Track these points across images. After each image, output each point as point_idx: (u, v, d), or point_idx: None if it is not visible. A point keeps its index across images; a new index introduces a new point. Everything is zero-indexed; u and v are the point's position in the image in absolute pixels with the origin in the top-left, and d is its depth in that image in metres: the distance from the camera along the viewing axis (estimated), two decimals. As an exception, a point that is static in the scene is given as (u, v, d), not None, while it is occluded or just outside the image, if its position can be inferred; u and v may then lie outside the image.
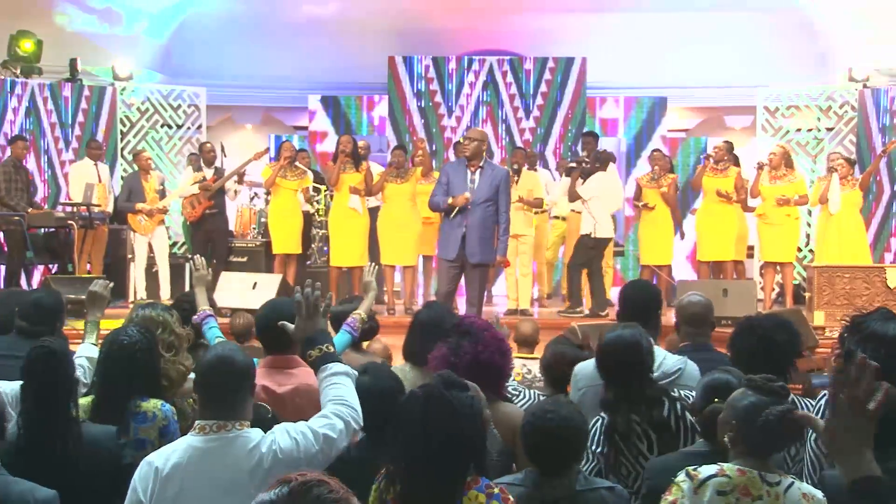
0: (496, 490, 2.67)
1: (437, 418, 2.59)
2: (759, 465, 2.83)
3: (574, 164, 9.83)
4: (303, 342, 3.21)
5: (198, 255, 4.99)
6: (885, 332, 3.51)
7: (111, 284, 4.37)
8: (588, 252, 9.43)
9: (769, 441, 2.85)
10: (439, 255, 7.94)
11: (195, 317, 4.43)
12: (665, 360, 4.00)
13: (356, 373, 3.09)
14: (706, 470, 2.83)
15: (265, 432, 2.88)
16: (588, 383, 3.97)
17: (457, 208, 7.57)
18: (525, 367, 5.31)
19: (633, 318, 4.06)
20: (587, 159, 9.83)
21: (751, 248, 10.86)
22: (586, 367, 4.04)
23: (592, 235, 9.38)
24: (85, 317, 4.34)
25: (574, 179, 9.57)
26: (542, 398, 4.15)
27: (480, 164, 7.67)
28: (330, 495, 1.73)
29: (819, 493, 2.83)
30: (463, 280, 7.82)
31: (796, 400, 3.69)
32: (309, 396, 3.51)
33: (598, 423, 3.58)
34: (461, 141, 7.96)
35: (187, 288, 10.20)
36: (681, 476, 2.85)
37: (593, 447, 3.54)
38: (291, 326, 3.29)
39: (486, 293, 10.81)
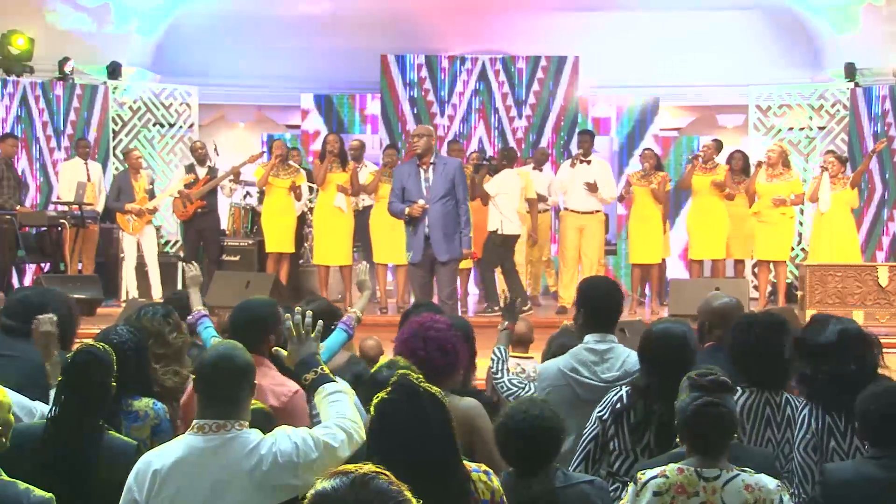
0: (485, 467, 2.75)
1: (430, 412, 2.60)
2: (704, 463, 2.85)
3: (481, 162, 9.83)
4: (296, 366, 3.24)
5: (192, 261, 4.99)
6: (822, 342, 3.54)
7: (55, 317, 4.01)
8: (497, 249, 9.40)
9: (698, 436, 2.87)
10: (408, 260, 7.88)
11: (190, 317, 4.43)
12: (628, 357, 3.99)
13: (352, 391, 3.12)
14: (650, 472, 2.89)
15: (264, 432, 2.89)
16: (551, 383, 3.97)
17: (415, 217, 7.48)
18: (519, 367, 5.30)
19: (598, 317, 4.04)
20: (494, 156, 9.93)
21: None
22: (550, 368, 4.04)
23: (499, 232, 9.34)
24: (46, 360, 3.94)
25: (482, 177, 9.55)
26: None
27: (432, 161, 7.59)
28: (391, 487, 1.77)
29: (771, 483, 2.84)
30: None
31: (770, 397, 3.69)
32: (277, 397, 3.50)
33: (614, 393, 3.60)
34: (412, 140, 7.88)
35: (179, 287, 10.19)
36: (631, 481, 2.92)
37: (599, 412, 3.58)
38: (284, 353, 3.33)
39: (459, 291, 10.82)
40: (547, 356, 4.69)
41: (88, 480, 3.12)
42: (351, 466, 1.80)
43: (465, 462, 2.69)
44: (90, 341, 3.38)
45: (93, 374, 3.21)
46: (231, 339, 3.78)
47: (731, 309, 4.39)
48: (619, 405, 3.57)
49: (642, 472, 2.91)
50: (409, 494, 1.77)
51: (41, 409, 3.46)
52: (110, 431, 3.29)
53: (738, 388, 3.65)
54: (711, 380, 2.90)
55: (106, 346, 3.35)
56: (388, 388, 2.67)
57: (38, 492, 2.77)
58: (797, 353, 3.61)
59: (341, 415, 2.98)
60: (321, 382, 3.12)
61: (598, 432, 3.57)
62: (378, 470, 1.79)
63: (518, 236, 9.63)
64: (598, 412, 3.59)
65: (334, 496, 1.75)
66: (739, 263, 10.28)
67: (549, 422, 3.02)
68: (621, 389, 3.61)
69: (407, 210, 7.49)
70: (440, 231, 7.50)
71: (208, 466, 2.78)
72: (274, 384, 3.51)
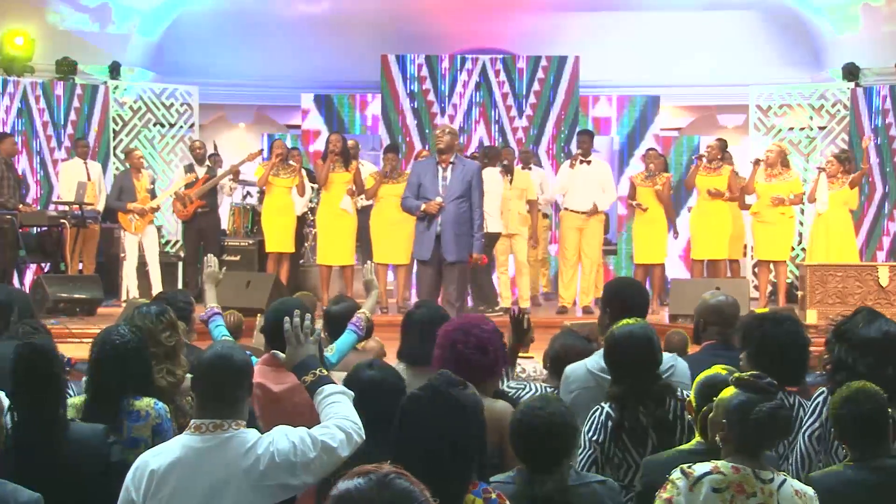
0: (493, 495, 2.66)
1: (446, 417, 2.60)
2: (752, 463, 2.85)
3: None
4: (294, 368, 3.24)
5: (210, 255, 4.96)
6: (868, 336, 3.54)
7: None
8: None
9: (760, 438, 2.87)
10: (415, 256, 7.84)
11: (202, 314, 4.42)
12: None
13: (352, 392, 3.10)
14: (701, 467, 2.86)
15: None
16: (580, 385, 3.94)
17: (431, 214, 7.45)
18: (519, 366, 5.29)
19: (622, 317, 3.99)
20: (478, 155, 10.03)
21: (747, 246, 10.90)
22: (578, 369, 4.01)
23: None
24: None
25: None
26: (548, 391, 4.15)
27: (452, 160, 7.56)
28: (413, 487, 1.80)
29: (810, 490, 2.86)
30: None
31: (784, 398, 3.71)
32: (305, 394, 3.51)
33: (598, 413, 3.58)
34: (436, 135, 7.85)
35: (179, 286, 10.20)
36: (676, 473, 2.88)
37: (590, 435, 3.55)
38: (282, 356, 3.33)
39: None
40: (549, 357, 4.69)
41: (61, 471, 3.12)
42: (370, 466, 1.81)
43: (475, 482, 2.66)
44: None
45: (39, 366, 3.21)
46: (269, 342, 3.79)
47: (727, 307, 4.38)
48: (609, 423, 3.55)
49: (689, 466, 2.88)
50: (427, 494, 1.79)
51: None
52: (74, 421, 3.30)
53: None
54: (769, 382, 2.91)
55: (45, 337, 3.35)
56: (423, 385, 2.69)
57: (27, 492, 2.77)
58: (836, 341, 3.61)
59: (341, 415, 2.98)
60: (320, 384, 3.11)
61: (595, 456, 3.54)
62: (398, 470, 1.81)
63: (500, 234, 9.62)
64: (590, 435, 3.55)
65: (358, 496, 1.76)
66: (734, 263, 10.30)
67: (563, 419, 3.01)
68: (603, 407, 3.59)
69: (423, 206, 7.45)
70: (451, 231, 7.45)
71: (205, 466, 2.78)
72: None
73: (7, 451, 3.10)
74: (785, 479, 2.83)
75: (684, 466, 2.89)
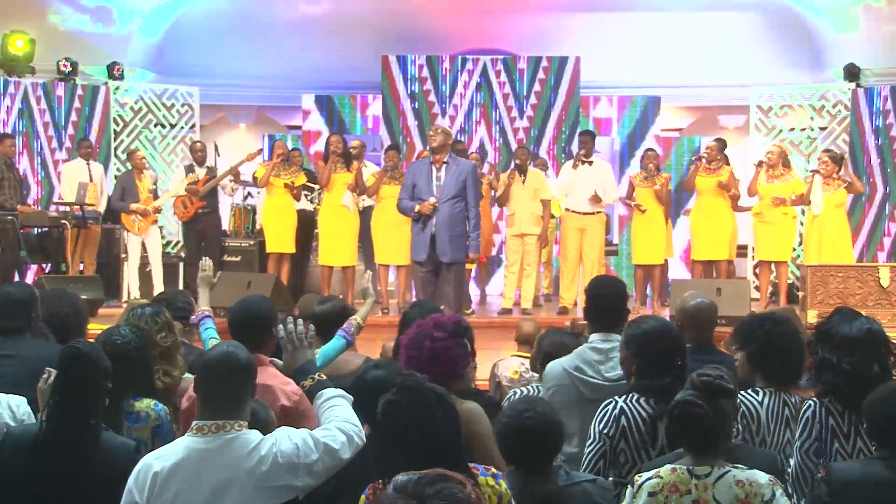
0: (494, 470, 2.76)
1: (431, 411, 2.64)
2: (697, 461, 2.87)
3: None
4: (293, 373, 3.26)
5: (206, 258, 4.95)
6: (850, 334, 3.54)
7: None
8: None
9: (680, 434, 2.90)
10: (412, 257, 7.84)
11: (193, 317, 4.42)
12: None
13: (351, 396, 3.12)
14: (646, 474, 2.92)
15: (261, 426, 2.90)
16: (557, 383, 3.94)
17: (425, 215, 7.42)
18: (523, 366, 5.30)
19: (603, 316, 4.04)
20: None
21: (742, 247, 10.88)
22: (555, 367, 4.02)
23: None
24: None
25: None
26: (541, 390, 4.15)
27: (445, 160, 7.54)
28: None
29: (762, 478, 2.84)
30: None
31: (787, 398, 3.70)
32: (263, 395, 3.50)
33: (611, 406, 3.57)
34: (429, 134, 7.84)
35: (181, 287, 10.19)
36: (629, 483, 2.95)
37: (601, 427, 3.54)
38: (280, 363, 3.32)
39: (467, 292, 10.82)
40: (539, 355, 4.68)
41: (87, 479, 3.11)
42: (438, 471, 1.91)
43: (472, 466, 2.69)
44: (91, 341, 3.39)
45: (84, 370, 3.18)
46: (231, 338, 3.79)
47: (703, 311, 4.37)
48: (623, 417, 3.53)
49: (639, 474, 2.93)
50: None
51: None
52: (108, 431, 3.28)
53: (759, 389, 3.66)
54: (705, 381, 2.92)
55: (92, 343, 3.34)
56: (394, 390, 2.69)
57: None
58: (818, 343, 3.61)
59: (341, 418, 2.99)
60: (319, 388, 3.14)
61: (605, 449, 3.53)
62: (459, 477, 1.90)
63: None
64: (602, 429, 3.54)
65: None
66: (730, 264, 10.27)
67: (552, 418, 3.03)
68: (618, 402, 3.56)
69: (417, 207, 7.44)
70: (446, 232, 7.45)
71: (208, 468, 2.79)
72: (282, 384, 3.51)
73: (38, 449, 3.10)
74: (728, 471, 2.83)
75: (635, 475, 2.96)
